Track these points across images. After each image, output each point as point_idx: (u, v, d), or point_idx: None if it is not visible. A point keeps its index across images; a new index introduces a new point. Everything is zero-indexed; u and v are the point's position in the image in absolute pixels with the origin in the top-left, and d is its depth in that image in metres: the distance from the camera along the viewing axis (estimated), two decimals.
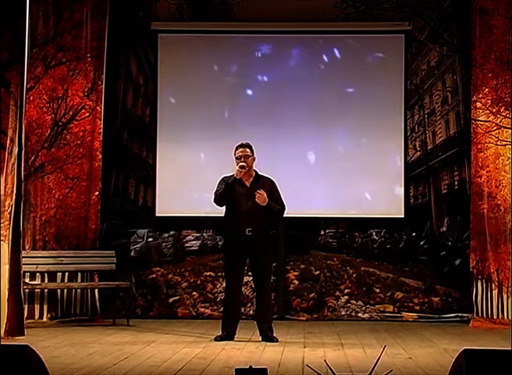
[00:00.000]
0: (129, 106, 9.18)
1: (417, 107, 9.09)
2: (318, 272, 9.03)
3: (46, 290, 8.31)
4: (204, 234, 9.24)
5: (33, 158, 8.39)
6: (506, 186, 8.29)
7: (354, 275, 9.02)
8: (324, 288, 8.98)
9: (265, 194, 6.85)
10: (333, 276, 9.02)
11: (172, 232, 9.20)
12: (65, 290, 8.42)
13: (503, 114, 8.36)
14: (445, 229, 8.99)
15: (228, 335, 6.92)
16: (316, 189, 8.88)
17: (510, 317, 8.21)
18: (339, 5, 8.98)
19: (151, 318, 8.83)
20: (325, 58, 9.02)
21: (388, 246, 9.09)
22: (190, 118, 9.00)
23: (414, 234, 9.04)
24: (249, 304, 8.76)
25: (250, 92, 9.04)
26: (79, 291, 8.48)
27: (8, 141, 7.00)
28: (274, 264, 8.10)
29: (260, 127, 8.86)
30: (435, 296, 8.88)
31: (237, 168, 6.89)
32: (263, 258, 6.96)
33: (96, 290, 8.54)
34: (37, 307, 8.28)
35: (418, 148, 9.07)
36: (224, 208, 7.04)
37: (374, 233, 9.12)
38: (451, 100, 9.03)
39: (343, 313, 8.92)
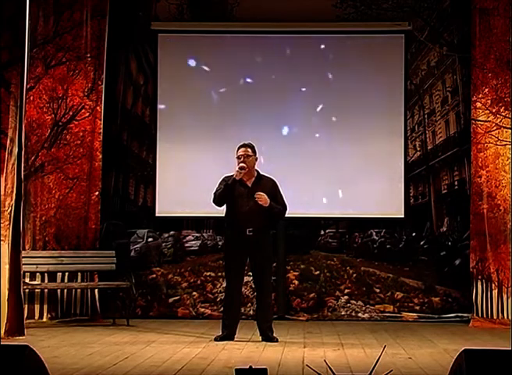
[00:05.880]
0: (129, 106, 9.18)
1: (417, 107, 9.08)
2: (318, 272, 9.03)
3: (46, 290, 8.31)
4: (204, 234, 9.23)
5: (33, 158, 8.39)
6: (506, 186, 8.29)
7: (354, 275, 9.01)
8: (324, 288, 8.97)
9: (265, 196, 6.84)
10: (333, 276, 9.02)
11: (172, 232, 9.20)
12: (65, 290, 8.42)
13: (503, 114, 8.37)
14: (445, 229, 8.99)
15: (228, 335, 6.92)
16: (316, 189, 8.89)
17: (510, 317, 8.21)
18: (339, 5, 8.98)
19: (151, 318, 8.82)
20: (325, 58, 9.03)
21: (388, 246, 9.09)
22: (190, 118, 9.00)
23: (414, 234, 9.04)
24: (249, 304, 8.76)
25: (250, 92, 9.03)
26: (79, 291, 8.48)
27: (8, 141, 7.00)
28: (274, 264, 8.09)
29: (260, 127, 8.86)
30: (435, 296, 8.88)
31: (237, 169, 6.89)
32: (263, 258, 6.95)
33: (96, 290, 8.53)
34: (37, 307, 8.29)
35: (418, 148, 9.07)
36: (225, 208, 7.04)
37: (374, 233, 9.12)
38: (451, 100, 9.02)
39: (343, 313, 8.92)
